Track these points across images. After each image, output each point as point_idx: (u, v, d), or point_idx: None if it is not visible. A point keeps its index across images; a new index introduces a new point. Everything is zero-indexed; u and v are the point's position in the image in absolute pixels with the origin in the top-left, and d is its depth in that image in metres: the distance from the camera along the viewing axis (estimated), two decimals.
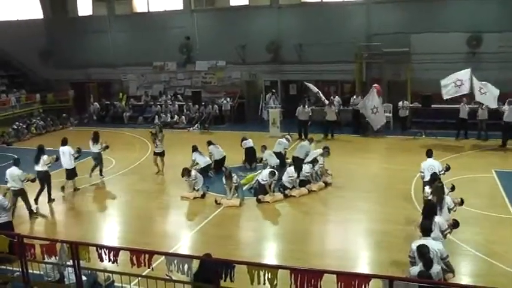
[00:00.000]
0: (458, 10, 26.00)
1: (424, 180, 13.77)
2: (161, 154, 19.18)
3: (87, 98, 33.46)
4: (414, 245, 8.70)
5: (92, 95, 33.26)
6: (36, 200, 15.81)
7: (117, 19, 33.84)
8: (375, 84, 25.08)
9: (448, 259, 8.84)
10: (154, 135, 19.53)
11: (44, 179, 16.05)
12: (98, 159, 18.73)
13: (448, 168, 14.09)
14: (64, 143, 17.33)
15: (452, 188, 12.95)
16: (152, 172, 19.33)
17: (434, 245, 8.73)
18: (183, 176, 16.52)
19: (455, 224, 10.70)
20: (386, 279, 6.36)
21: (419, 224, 9.55)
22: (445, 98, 21.74)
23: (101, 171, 18.90)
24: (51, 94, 33.62)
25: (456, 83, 21.31)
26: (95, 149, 18.55)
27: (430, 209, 10.70)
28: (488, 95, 21.17)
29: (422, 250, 8.09)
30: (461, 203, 11.42)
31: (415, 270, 7.81)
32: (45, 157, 16.11)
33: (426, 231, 9.11)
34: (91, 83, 34.41)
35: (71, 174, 17.36)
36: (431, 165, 14.06)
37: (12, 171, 14.59)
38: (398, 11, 27.26)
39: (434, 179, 12.50)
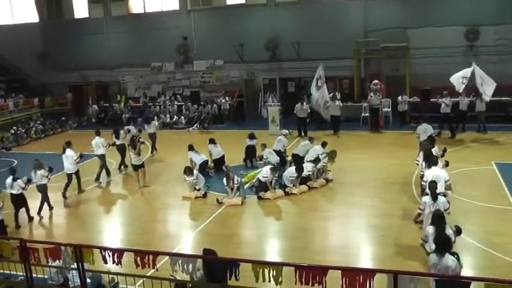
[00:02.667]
0: (455, 4, 26.11)
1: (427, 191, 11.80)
2: (141, 166, 17.76)
3: (86, 101, 33.43)
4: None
5: (90, 98, 33.22)
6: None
7: (114, 20, 33.84)
8: (376, 81, 25.15)
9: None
10: (131, 145, 17.82)
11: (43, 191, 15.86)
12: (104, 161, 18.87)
13: (445, 150, 14.78)
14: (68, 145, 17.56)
15: (447, 164, 13.91)
16: (153, 173, 19.33)
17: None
18: (184, 173, 16.52)
19: (458, 231, 10.24)
20: (391, 273, 6.37)
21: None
22: (457, 90, 21.76)
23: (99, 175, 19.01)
24: (49, 98, 33.60)
25: (463, 81, 21.37)
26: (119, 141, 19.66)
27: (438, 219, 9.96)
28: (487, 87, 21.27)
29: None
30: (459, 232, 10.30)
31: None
32: (41, 171, 15.74)
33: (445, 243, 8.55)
34: (89, 85, 34.37)
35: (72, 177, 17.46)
36: (436, 175, 12.39)
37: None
38: (396, 6, 27.36)
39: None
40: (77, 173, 17.49)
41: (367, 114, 25.62)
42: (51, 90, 34.41)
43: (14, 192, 14.74)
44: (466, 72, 21.33)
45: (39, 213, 15.62)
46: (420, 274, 6.47)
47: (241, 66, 31.29)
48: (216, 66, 32.11)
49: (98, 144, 18.78)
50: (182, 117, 29.54)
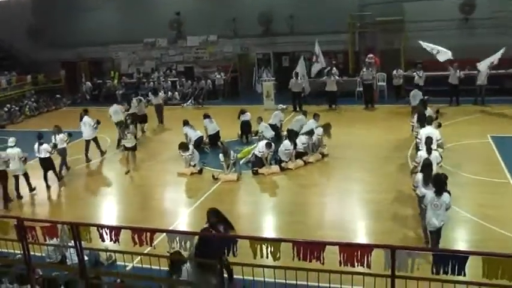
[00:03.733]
0: None
1: (420, 148, 13.26)
2: (133, 148, 17.14)
3: (79, 78, 33.14)
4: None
5: (83, 74, 32.93)
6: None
7: None
8: (371, 55, 25.05)
9: None
10: (123, 125, 17.43)
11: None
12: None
13: (437, 111, 15.42)
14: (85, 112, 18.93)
15: (439, 125, 14.50)
16: (148, 150, 19.29)
17: None
18: (180, 149, 16.46)
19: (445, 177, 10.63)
20: (388, 248, 6.38)
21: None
22: (441, 60, 21.96)
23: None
24: (42, 75, 33.32)
25: (437, 50, 21.65)
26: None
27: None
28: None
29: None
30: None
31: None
32: (61, 135, 16.83)
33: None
34: (82, 62, 34.05)
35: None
36: (428, 133, 13.36)
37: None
38: None
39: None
40: (95, 139, 18.09)
41: (361, 89, 25.47)
42: (44, 67, 34.01)
43: (42, 156, 15.93)
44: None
45: (59, 174, 16.76)
46: (418, 249, 6.49)
47: (234, 41, 31.08)
48: (209, 41, 31.89)
49: (117, 111, 20.31)
50: (176, 93, 29.38)
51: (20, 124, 26.30)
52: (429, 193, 9.95)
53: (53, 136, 16.70)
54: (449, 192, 10.01)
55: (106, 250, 9.00)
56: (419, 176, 10.78)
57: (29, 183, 15.60)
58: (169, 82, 30.54)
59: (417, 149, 13.99)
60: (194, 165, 16.44)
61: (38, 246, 8.69)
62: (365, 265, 6.43)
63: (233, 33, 30.62)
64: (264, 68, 29.52)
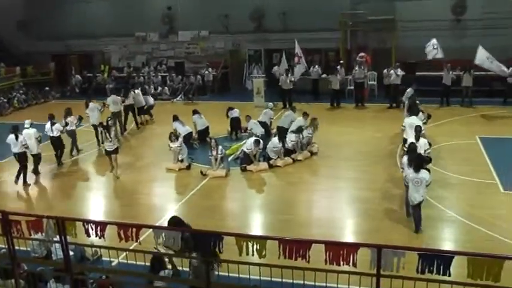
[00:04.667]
0: None
1: (405, 136, 15.28)
2: (114, 152, 15.99)
3: (69, 71, 32.89)
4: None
5: (73, 67, 32.69)
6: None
7: None
8: (362, 54, 25.10)
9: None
10: (105, 128, 16.22)
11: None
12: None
13: (429, 117, 15.64)
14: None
15: (429, 116, 15.92)
16: (136, 145, 19.23)
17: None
18: (170, 139, 16.40)
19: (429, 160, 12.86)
20: (374, 247, 6.38)
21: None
22: (427, 59, 22.30)
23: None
24: (31, 67, 33.06)
25: (434, 46, 21.82)
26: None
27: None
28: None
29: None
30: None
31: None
32: (71, 117, 18.03)
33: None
34: (72, 55, 33.82)
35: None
36: (412, 122, 14.96)
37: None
38: None
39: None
40: (102, 124, 17.78)
41: (352, 87, 25.51)
42: (33, 59, 33.77)
43: (54, 134, 17.03)
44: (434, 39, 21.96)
45: (70, 154, 18.32)
46: (404, 248, 6.48)
47: (226, 37, 31.00)
48: (200, 36, 31.80)
49: (116, 101, 20.70)
50: (166, 88, 29.24)
51: (8, 116, 26.07)
52: (410, 171, 11.21)
53: (63, 118, 17.76)
54: (428, 170, 11.55)
55: (91, 245, 8.95)
56: (405, 159, 11.89)
57: (36, 166, 16.23)
58: (159, 77, 30.39)
59: (404, 140, 15.24)
60: (182, 161, 16.38)
61: (23, 240, 8.63)
62: (351, 264, 6.43)
63: (225, 29, 30.54)
64: (255, 64, 29.47)
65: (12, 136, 15.69)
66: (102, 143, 17.32)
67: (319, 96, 26.06)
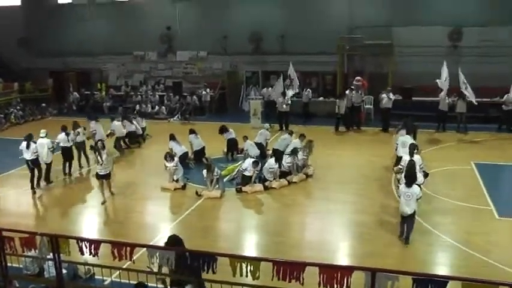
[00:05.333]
0: (440, 3, 26.20)
1: (398, 154, 15.88)
2: (106, 177, 15.43)
3: (67, 88, 32.97)
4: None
5: (71, 85, 32.77)
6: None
7: (97, 7, 33.43)
8: (358, 78, 25.24)
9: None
10: (96, 150, 15.48)
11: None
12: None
13: (426, 175, 14.04)
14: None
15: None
16: (132, 164, 19.22)
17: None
18: (165, 159, 16.41)
19: (426, 175, 13.64)
20: (368, 271, 6.37)
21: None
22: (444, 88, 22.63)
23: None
24: (29, 83, 33.13)
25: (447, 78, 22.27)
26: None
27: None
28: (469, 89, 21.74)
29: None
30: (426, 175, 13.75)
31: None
32: (80, 129, 18.69)
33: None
34: (70, 72, 33.94)
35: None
36: (405, 140, 15.82)
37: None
38: (381, 4, 27.43)
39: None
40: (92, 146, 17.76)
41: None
42: (31, 75, 33.88)
43: (68, 145, 17.86)
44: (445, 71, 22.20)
45: (80, 164, 18.96)
46: (398, 272, 6.47)
47: (224, 58, 31.18)
48: (199, 57, 31.98)
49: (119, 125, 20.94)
50: (163, 107, 29.30)
51: (5, 131, 26.08)
52: (402, 186, 12.03)
53: (72, 131, 18.26)
54: (420, 186, 12.20)
55: (85, 264, 8.91)
56: (403, 175, 12.59)
57: (48, 175, 17.05)
58: (157, 96, 30.46)
59: (397, 158, 15.84)
60: (177, 181, 16.36)
61: (16, 257, 8.59)
62: (345, 287, 6.42)
63: (223, 50, 30.72)
64: (252, 86, 29.59)
65: (24, 144, 16.35)
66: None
67: (310, 119, 26.07)
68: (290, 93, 25.25)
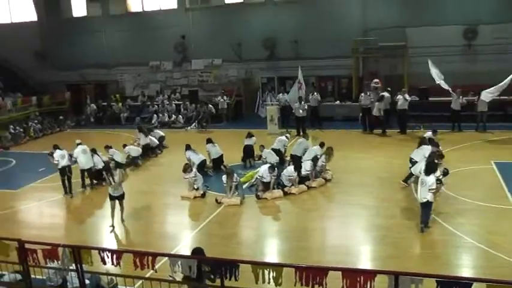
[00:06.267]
0: (453, 3, 26.10)
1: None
2: (120, 198, 14.39)
3: (84, 100, 33.31)
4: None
5: (88, 97, 33.09)
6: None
7: (112, 19, 33.80)
8: (376, 80, 25.18)
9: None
10: (108, 171, 14.61)
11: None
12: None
13: (446, 173, 14.30)
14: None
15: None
16: (152, 174, 19.32)
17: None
18: (184, 172, 16.45)
19: (445, 173, 14.03)
20: (392, 274, 6.34)
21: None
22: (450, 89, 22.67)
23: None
24: (47, 96, 33.51)
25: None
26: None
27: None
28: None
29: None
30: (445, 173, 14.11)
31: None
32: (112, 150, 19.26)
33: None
34: (87, 84, 34.27)
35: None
36: (421, 153, 15.65)
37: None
38: (394, 5, 27.39)
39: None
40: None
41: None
42: (49, 89, 34.32)
43: (98, 167, 17.96)
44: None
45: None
46: (421, 275, 6.42)
47: (239, 65, 31.29)
48: (214, 65, 32.10)
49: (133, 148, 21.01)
50: (180, 116, 29.44)
51: (24, 145, 26.37)
52: (422, 174, 12.57)
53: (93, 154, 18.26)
54: (439, 180, 12.95)
55: (107, 274, 8.95)
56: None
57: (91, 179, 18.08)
58: (173, 105, 30.62)
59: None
60: (197, 189, 16.40)
61: (39, 269, 8.66)
62: None
63: (238, 57, 30.82)
64: (268, 92, 29.62)
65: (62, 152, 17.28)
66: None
67: (320, 123, 25.96)
68: (297, 96, 25.36)
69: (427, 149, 15.56)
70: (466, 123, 23.08)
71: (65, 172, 17.09)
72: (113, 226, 14.18)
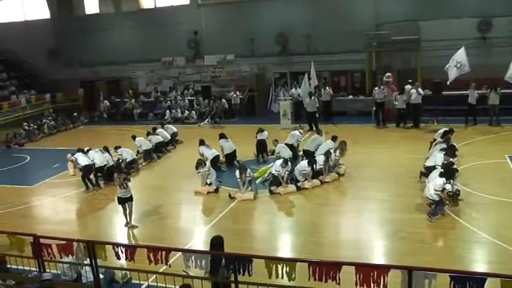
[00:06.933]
0: None
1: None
2: (129, 199, 14.03)
3: (97, 96, 33.45)
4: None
5: (101, 93, 33.24)
6: None
7: (124, 16, 33.92)
8: (388, 74, 25.10)
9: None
10: (121, 175, 14.14)
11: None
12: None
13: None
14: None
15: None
16: (165, 169, 19.40)
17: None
18: (197, 168, 16.49)
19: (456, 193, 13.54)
20: (405, 269, 6.32)
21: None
22: (449, 83, 22.02)
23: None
24: (60, 93, 33.74)
25: (456, 65, 21.55)
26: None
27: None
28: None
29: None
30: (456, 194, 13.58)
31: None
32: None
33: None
34: (100, 81, 34.42)
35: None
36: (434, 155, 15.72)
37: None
38: None
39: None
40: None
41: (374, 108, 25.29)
42: (62, 86, 34.51)
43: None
44: (456, 56, 21.72)
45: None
46: (435, 270, 6.40)
47: (251, 60, 31.27)
48: (226, 60, 32.10)
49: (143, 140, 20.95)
50: (193, 111, 29.49)
51: (38, 142, 26.56)
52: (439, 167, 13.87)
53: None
54: (450, 183, 13.01)
55: (121, 268, 9.02)
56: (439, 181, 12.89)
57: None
58: (186, 101, 30.67)
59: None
60: (210, 184, 16.42)
61: (54, 263, 8.74)
62: (381, 286, 6.38)
63: (250, 52, 30.82)
64: (281, 87, 29.56)
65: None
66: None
67: (332, 118, 25.79)
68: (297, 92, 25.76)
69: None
70: (480, 117, 22.89)
71: (91, 169, 17.54)
72: (128, 223, 14.00)
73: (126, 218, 14.06)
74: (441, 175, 12.86)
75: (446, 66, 21.76)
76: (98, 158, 17.82)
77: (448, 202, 12.99)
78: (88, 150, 18.09)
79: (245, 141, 20.13)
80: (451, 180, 13.25)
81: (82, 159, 17.38)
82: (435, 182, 12.75)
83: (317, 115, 24.63)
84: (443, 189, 12.71)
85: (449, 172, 13.03)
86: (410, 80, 24.51)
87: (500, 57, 22.74)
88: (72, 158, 17.42)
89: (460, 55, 21.48)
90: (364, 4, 28.23)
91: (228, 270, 7.50)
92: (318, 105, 24.65)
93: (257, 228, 13.94)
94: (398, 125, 24.01)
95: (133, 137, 20.70)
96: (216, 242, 8.51)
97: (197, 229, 13.86)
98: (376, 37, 27.33)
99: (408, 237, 12.04)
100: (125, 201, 13.91)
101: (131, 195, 13.99)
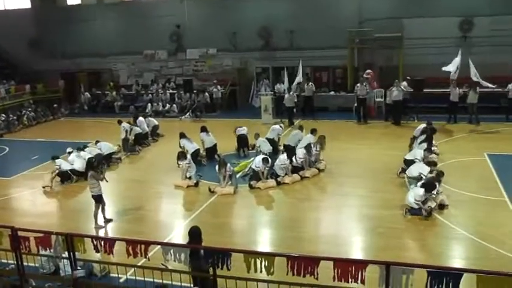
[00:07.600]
0: None
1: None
2: (98, 198, 13.47)
3: (78, 88, 33.14)
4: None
5: (82, 85, 32.94)
6: None
7: (106, 7, 33.66)
8: (369, 71, 25.22)
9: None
10: (95, 168, 13.79)
11: None
12: None
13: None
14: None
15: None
16: (145, 162, 19.32)
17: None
18: (178, 159, 16.44)
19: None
20: (383, 264, 6.37)
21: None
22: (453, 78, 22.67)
23: None
24: (41, 85, 33.36)
25: (456, 71, 22.25)
26: None
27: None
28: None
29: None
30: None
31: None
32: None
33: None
34: (81, 72, 34.12)
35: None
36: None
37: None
38: None
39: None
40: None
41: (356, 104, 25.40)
42: (43, 77, 34.08)
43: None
44: (456, 62, 22.00)
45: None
46: (412, 265, 6.46)
47: (234, 54, 31.21)
48: (208, 54, 32.00)
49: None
50: (174, 105, 29.38)
51: (17, 133, 26.28)
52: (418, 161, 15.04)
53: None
54: (433, 195, 13.14)
55: (100, 262, 8.97)
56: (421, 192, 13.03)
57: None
58: (167, 94, 30.55)
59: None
60: (190, 178, 16.38)
61: (32, 256, 8.66)
62: (359, 281, 6.42)
63: (233, 46, 30.76)
64: (263, 82, 29.55)
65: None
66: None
67: (313, 113, 25.88)
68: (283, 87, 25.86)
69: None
70: (460, 115, 23.15)
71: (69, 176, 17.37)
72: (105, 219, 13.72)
73: (104, 214, 13.71)
74: (422, 186, 13.09)
75: (447, 69, 22.28)
76: (79, 162, 17.34)
77: (426, 215, 12.78)
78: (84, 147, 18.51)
79: (226, 136, 20.09)
80: (436, 190, 13.26)
81: (65, 165, 17.22)
82: (415, 192, 12.94)
83: (294, 110, 24.75)
84: (425, 202, 12.84)
85: (430, 186, 13.06)
86: (408, 78, 24.90)
87: (481, 57, 23.00)
88: (57, 166, 17.03)
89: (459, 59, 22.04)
90: (348, 1, 28.30)
91: (206, 263, 7.50)
92: (296, 100, 24.74)
93: (236, 222, 13.96)
94: (387, 119, 24.38)
95: (119, 122, 20.88)
96: (194, 232, 8.59)
97: (177, 223, 13.83)
98: (359, 34, 27.44)
99: (386, 233, 12.14)
100: (100, 199, 13.50)
101: (100, 195, 13.55)
